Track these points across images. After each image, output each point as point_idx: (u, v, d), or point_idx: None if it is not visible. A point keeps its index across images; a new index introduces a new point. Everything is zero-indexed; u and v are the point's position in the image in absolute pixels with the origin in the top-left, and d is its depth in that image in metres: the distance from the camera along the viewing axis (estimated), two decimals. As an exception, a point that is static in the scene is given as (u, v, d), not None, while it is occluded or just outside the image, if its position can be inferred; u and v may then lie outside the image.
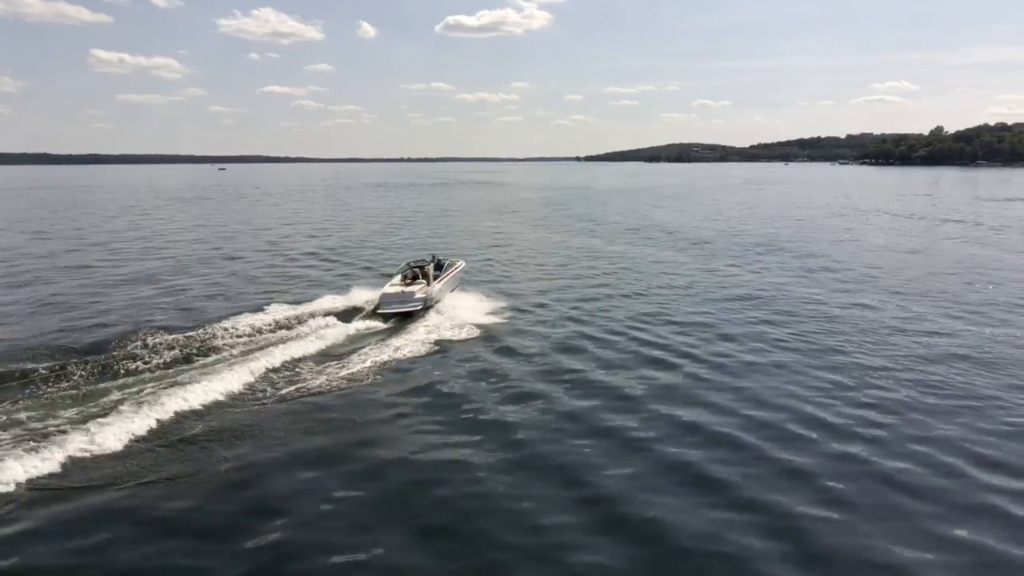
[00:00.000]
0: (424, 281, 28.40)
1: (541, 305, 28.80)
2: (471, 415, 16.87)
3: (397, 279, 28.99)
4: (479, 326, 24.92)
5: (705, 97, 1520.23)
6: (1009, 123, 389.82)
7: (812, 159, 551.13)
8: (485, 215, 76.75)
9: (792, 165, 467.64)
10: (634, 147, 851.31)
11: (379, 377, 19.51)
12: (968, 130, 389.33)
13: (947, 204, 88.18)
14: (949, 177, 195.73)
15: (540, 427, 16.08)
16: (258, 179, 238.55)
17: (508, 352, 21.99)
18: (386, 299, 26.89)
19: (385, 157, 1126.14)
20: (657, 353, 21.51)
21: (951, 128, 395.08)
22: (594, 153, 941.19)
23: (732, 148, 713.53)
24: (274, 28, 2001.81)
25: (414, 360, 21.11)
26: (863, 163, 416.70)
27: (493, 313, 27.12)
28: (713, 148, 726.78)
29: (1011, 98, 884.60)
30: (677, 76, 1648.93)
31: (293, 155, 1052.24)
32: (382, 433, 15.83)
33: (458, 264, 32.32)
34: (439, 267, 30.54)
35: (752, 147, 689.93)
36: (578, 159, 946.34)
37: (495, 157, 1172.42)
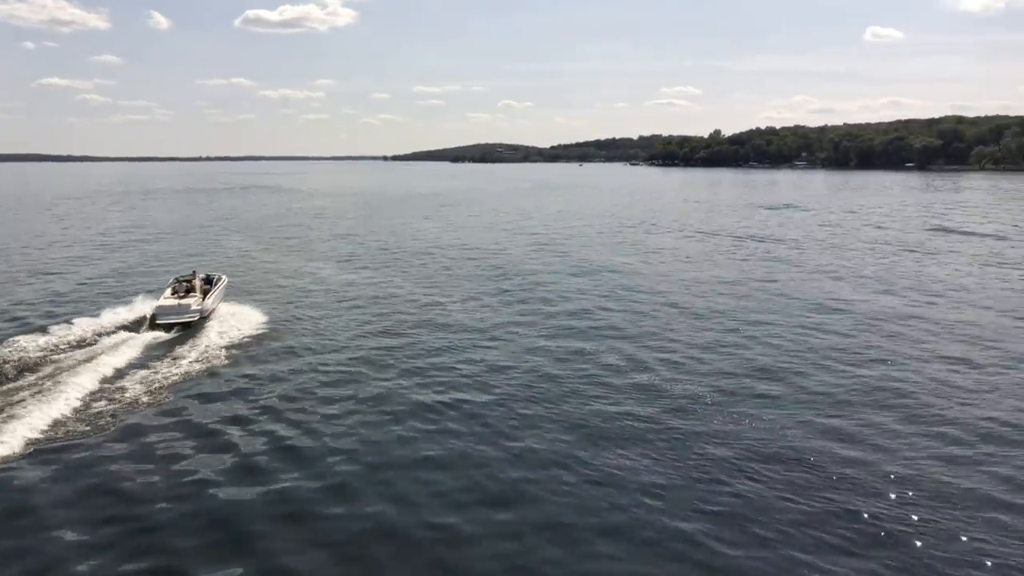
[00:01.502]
0: (197, 294, 30.09)
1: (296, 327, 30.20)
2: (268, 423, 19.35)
3: (168, 292, 30.44)
4: (253, 336, 27.57)
5: (509, 98, 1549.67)
6: (777, 127, 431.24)
7: (608, 159, 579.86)
8: (237, 232, 69.85)
9: (587, 166, 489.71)
10: (441, 147, 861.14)
11: (174, 394, 21.17)
12: (741, 134, 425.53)
13: (718, 215, 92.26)
14: (726, 179, 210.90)
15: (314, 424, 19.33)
16: (20, 182, 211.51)
17: (293, 356, 25.29)
18: (162, 311, 28.19)
19: (183, 156, 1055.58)
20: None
21: (730, 131, 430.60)
22: (401, 152, 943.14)
23: (534, 148, 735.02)
24: (52, 15, 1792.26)
25: (206, 372, 23.23)
26: (652, 164, 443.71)
27: (261, 324, 29.35)
28: (516, 148, 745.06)
29: (780, 103, 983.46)
30: (483, 76, 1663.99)
31: (78, 153, 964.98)
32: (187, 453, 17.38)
33: (223, 279, 34.32)
34: (208, 281, 32.48)
35: (553, 148, 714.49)
36: (385, 158, 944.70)
37: (301, 156, 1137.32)
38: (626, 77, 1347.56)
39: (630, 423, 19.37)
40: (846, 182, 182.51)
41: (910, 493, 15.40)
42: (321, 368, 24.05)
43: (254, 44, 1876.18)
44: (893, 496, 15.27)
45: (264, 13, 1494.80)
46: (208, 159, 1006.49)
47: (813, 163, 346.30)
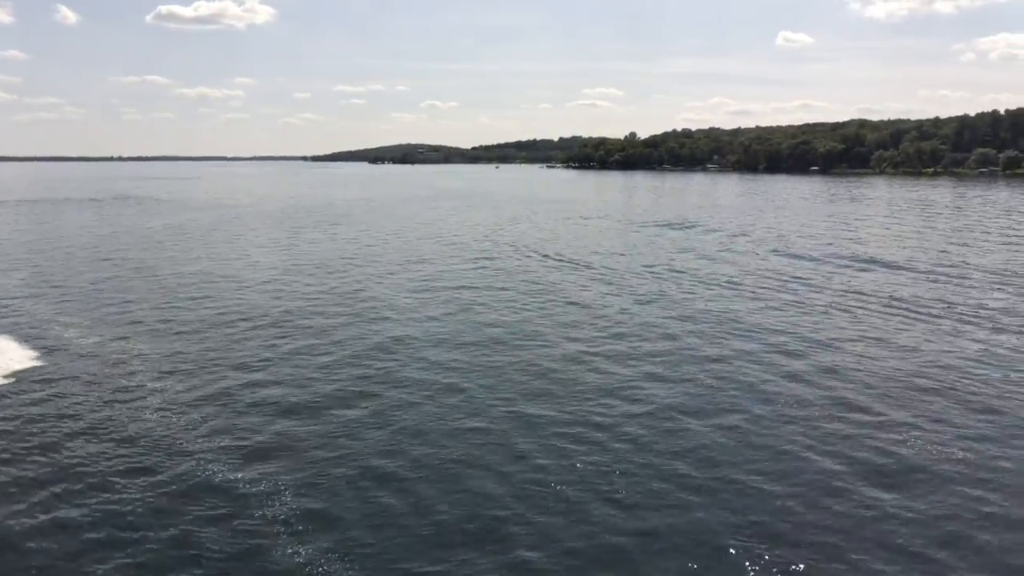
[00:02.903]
0: None
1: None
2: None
3: None
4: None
5: (433, 98, 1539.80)
6: (695, 128, 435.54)
7: (529, 160, 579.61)
8: (49, 261, 58.70)
9: (503, 168, 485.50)
10: (363, 147, 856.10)
11: None
12: (656, 136, 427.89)
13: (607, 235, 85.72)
14: (638, 183, 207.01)
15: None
16: None
17: (46, 394, 25.43)
18: None
19: (96, 156, 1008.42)
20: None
21: (651, 132, 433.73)
22: (323, 153, 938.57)
23: (456, 149, 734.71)
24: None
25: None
26: (568, 167, 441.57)
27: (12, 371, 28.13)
28: (438, 149, 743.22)
29: (698, 104, 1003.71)
30: (406, 76, 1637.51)
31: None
32: None
33: None
34: None
35: (474, 148, 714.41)
36: (306, 159, 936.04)
37: (220, 156, 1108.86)
38: (549, 78, 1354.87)
39: None
40: (754, 188, 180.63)
41: None
42: (48, 422, 23.25)
43: (169, 40, 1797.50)
44: None
45: (178, 9, 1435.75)
46: (122, 159, 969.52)
47: (724, 166, 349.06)
